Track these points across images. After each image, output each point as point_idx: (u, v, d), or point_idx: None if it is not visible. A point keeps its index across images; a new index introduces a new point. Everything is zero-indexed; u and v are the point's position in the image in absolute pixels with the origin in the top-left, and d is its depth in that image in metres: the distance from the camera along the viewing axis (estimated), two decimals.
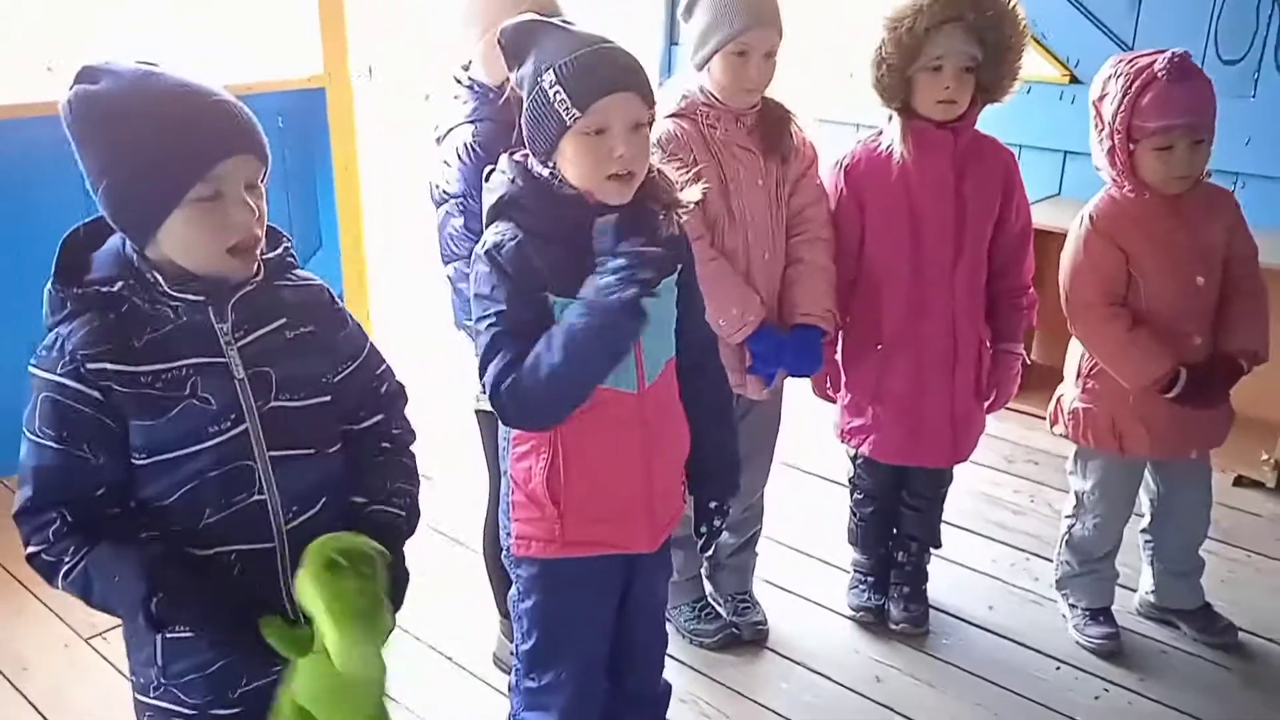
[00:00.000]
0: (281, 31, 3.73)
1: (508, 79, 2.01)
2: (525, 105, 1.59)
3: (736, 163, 2.17)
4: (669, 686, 2.07)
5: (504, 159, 1.67)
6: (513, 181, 1.64)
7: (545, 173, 1.62)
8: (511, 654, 1.96)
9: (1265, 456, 3.21)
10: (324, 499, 1.42)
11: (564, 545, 1.76)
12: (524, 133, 1.61)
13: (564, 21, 1.62)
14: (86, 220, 1.36)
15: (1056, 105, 3.65)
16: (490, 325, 1.62)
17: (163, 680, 1.41)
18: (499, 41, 1.63)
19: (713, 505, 1.88)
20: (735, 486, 1.92)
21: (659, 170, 1.68)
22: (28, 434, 1.29)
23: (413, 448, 1.55)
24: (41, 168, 2.96)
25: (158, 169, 1.24)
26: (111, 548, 1.29)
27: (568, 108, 1.53)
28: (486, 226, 1.67)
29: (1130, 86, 2.20)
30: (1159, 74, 2.17)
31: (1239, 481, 3.27)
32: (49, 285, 1.31)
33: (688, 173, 1.74)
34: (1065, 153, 3.72)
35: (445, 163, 2.04)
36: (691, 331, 1.81)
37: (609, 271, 1.51)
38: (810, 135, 2.34)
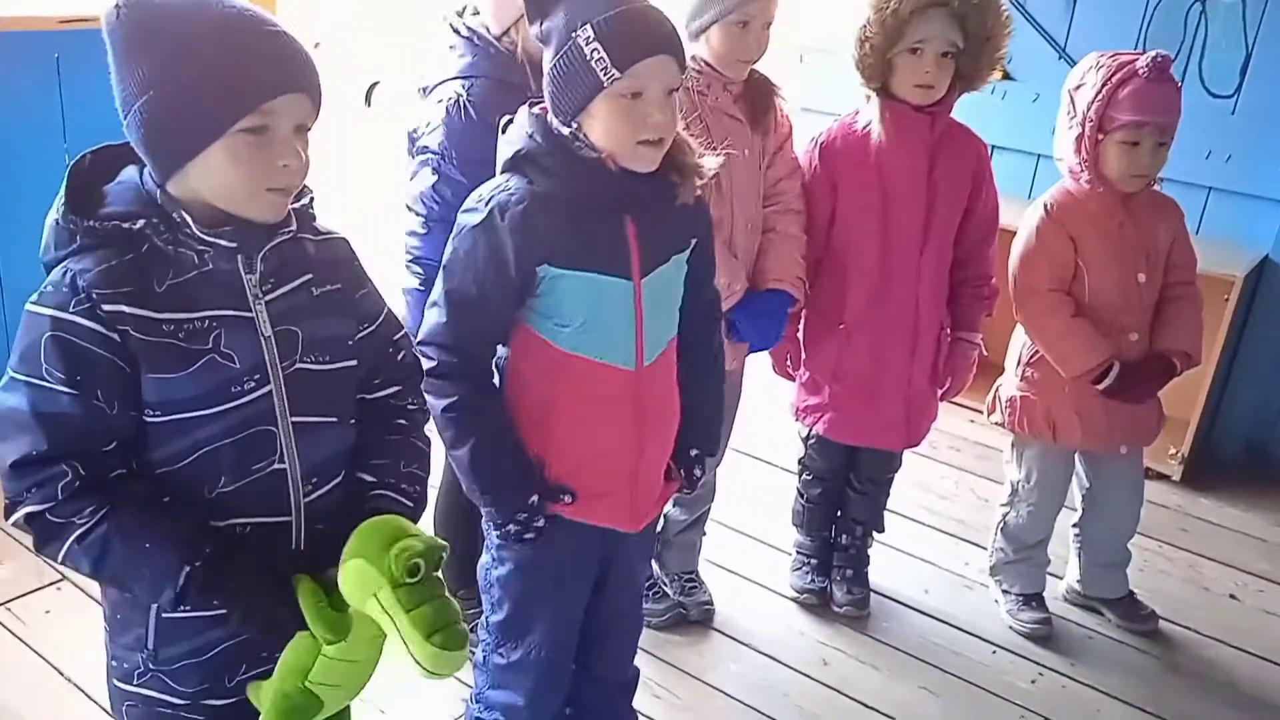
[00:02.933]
0: None
1: (510, 29, 1.92)
2: (552, 60, 1.51)
3: (725, 132, 2.12)
4: (637, 671, 2.02)
5: (523, 112, 1.58)
6: (530, 137, 1.55)
7: (566, 132, 1.54)
8: (471, 642, 1.87)
9: (1173, 451, 3.35)
10: (342, 471, 1.31)
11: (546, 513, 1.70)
12: (549, 89, 1.53)
13: None
14: (94, 148, 1.21)
15: (987, 100, 3.68)
16: (450, 297, 1.58)
17: (151, 666, 1.28)
18: None
19: (693, 453, 1.82)
20: (717, 438, 1.88)
21: (681, 138, 1.61)
22: (24, 377, 1.13)
23: (427, 428, 1.44)
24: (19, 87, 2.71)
25: (210, 91, 1.11)
26: (136, 512, 1.15)
27: (606, 68, 1.45)
28: (499, 175, 1.58)
29: (1111, 78, 2.25)
30: (1140, 71, 2.23)
31: (1147, 474, 3.37)
32: (56, 215, 1.16)
33: (698, 137, 1.68)
34: (994, 147, 3.78)
35: (429, 119, 1.93)
36: (699, 299, 1.76)
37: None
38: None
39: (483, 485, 1.64)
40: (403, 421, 1.40)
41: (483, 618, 1.86)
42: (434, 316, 1.59)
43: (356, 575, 1.16)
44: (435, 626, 1.14)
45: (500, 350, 1.68)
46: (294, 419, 1.24)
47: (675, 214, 1.63)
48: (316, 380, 1.27)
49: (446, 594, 1.18)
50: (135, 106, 1.13)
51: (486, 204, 1.54)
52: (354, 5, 3.92)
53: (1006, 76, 3.72)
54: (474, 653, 1.89)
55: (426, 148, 1.93)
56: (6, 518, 1.16)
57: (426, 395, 1.50)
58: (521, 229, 1.52)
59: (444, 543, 1.19)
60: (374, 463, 1.34)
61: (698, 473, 1.83)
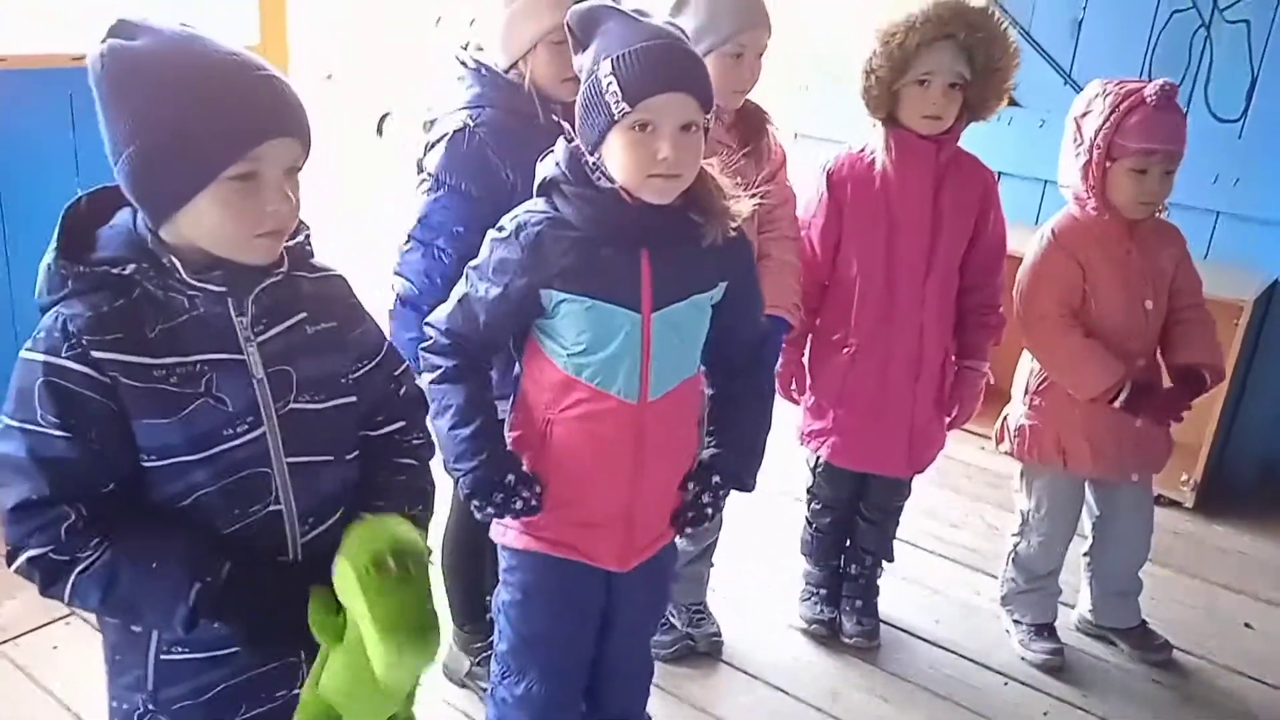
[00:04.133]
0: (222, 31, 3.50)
1: (518, 62, 1.93)
2: (580, 92, 1.55)
3: (718, 160, 2.12)
4: (649, 718, 2.00)
5: (561, 141, 1.62)
6: (558, 165, 1.60)
7: (590, 162, 1.58)
8: (476, 676, 1.87)
9: (1185, 478, 3.32)
10: (340, 510, 1.30)
11: (536, 539, 1.72)
12: (575, 122, 1.58)
13: (636, 11, 1.55)
14: (88, 191, 1.21)
15: (993, 126, 3.68)
16: (463, 299, 1.64)
17: (150, 707, 1.27)
18: (567, 24, 1.58)
19: (715, 479, 1.75)
20: (748, 473, 1.81)
21: (711, 177, 1.61)
22: (19, 423, 1.13)
23: (431, 463, 1.44)
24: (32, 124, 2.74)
25: (195, 141, 1.10)
26: (140, 536, 1.15)
27: (618, 100, 1.48)
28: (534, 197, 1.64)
29: (1119, 105, 2.25)
30: (1147, 99, 2.23)
31: (1158, 501, 3.36)
32: (49, 260, 1.16)
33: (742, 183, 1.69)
34: (1000, 173, 3.78)
35: (432, 143, 1.93)
36: (744, 336, 1.76)
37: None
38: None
39: (458, 455, 1.65)
40: (408, 460, 1.39)
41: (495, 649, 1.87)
42: (449, 306, 1.67)
43: (339, 570, 1.16)
44: (394, 625, 1.12)
45: (517, 368, 1.73)
46: (289, 459, 1.24)
47: (700, 254, 1.62)
48: (312, 419, 1.26)
49: (422, 595, 1.16)
50: (122, 156, 1.13)
51: (511, 220, 1.61)
52: (365, 38, 3.95)
53: (1013, 103, 3.72)
54: (484, 687, 1.88)
55: (424, 169, 1.94)
56: (9, 564, 1.15)
57: (421, 368, 1.59)
58: (532, 249, 1.57)
59: (424, 544, 1.19)
60: (377, 504, 1.33)
61: (706, 499, 1.76)
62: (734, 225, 1.62)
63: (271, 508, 1.23)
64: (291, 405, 1.24)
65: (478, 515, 1.69)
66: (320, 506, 1.28)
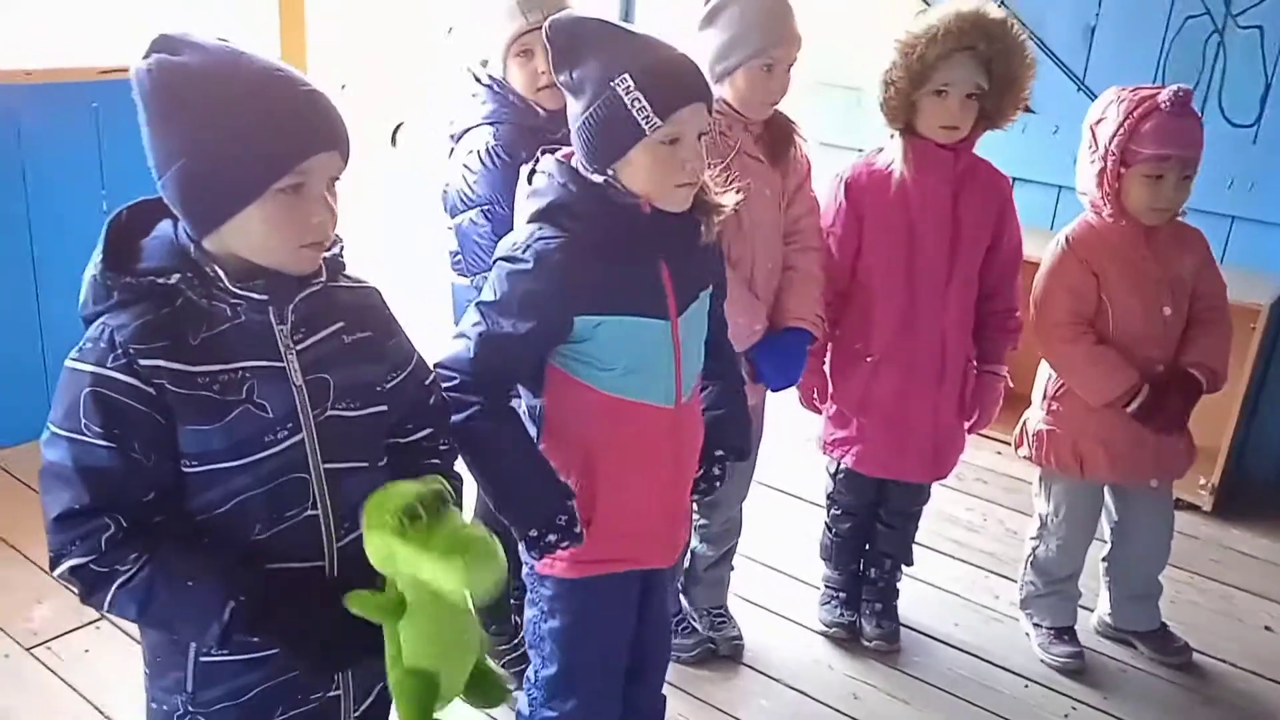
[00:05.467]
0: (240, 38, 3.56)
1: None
2: (587, 110, 1.51)
3: (746, 172, 2.14)
4: (665, 698, 2.02)
5: (549, 161, 1.59)
6: (564, 186, 1.56)
7: (600, 179, 1.55)
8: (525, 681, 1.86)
9: (1203, 482, 3.33)
10: None
11: (589, 564, 1.69)
12: (583, 138, 1.54)
13: (616, 23, 1.56)
14: (130, 203, 1.24)
15: (1008, 133, 3.71)
16: (483, 338, 1.57)
17: (190, 709, 1.30)
18: (546, 36, 1.54)
19: (718, 454, 1.80)
20: (746, 440, 1.86)
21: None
22: (66, 432, 1.16)
23: (457, 466, 1.47)
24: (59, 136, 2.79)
25: (245, 157, 1.13)
26: (178, 553, 1.18)
27: (648, 116, 1.47)
28: (526, 224, 1.59)
29: (1133, 112, 2.26)
30: (1162, 105, 2.24)
31: (1177, 505, 3.36)
32: (94, 271, 1.19)
33: (719, 175, 1.71)
34: (1014, 179, 3.79)
35: (466, 167, 1.97)
36: (720, 319, 1.79)
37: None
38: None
39: (505, 496, 1.62)
40: (434, 461, 1.43)
41: (530, 671, 1.84)
42: (459, 347, 1.59)
43: (372, 545, 1.19)
44: (451, 549, 1.15)
45: (534, 400, 1.68)
46: (326, 465, 1.27)
47: (699, 251, 1.66)
48: (348, 426, 1.29)
49: (461, 522, 1.20)
50: (170, 171, 1.15)
51: (525, 251, 1.55)
52: (379, 49, 4.00)
53: (1027, 109, 3.73)
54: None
55: (471, 200, 1.98)
56: (52, 570, 1.19)
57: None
58: (562, 278, 1.53)
59: (442, 485, 1.22)
60: None
61: (717, 471, 1.81)
62: (719, 220, 1.63)
63: (309, 513, 1.26)
64: (329, 412, 1.27)
65: (532, 557, 1.66)
66: (355, 512, 1.29)
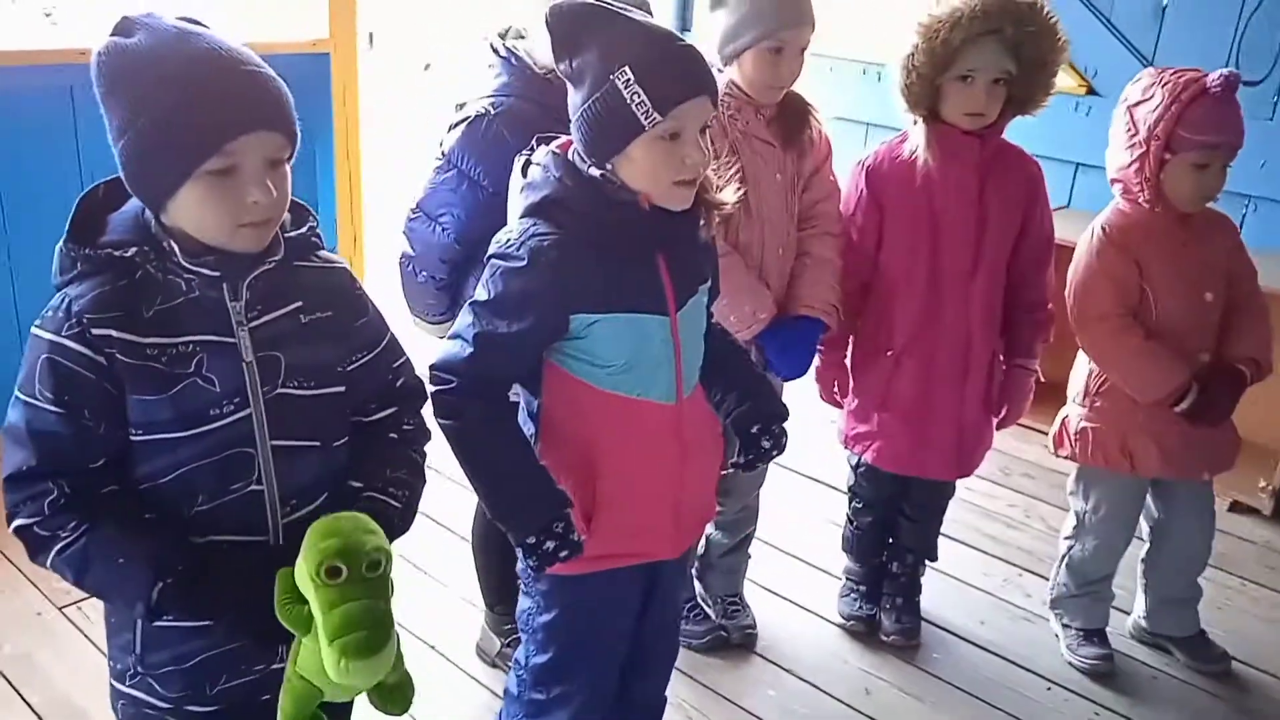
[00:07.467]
0: None
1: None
2: (586, 102, 1.46)
3: (756, 155, 2.11)
4: (665, 700, 2.01)
5: (545, 154, 1.56)
6: (560, 181, 1.51)
7: (598, 174, 1.51)
8: (507, 657, 1.86)
9: (1263, 484, 3.19)
10: (325, 494, 1.35)
11: (592, 560, 1.65)
12: (581, 131, 1.49)
13: (622, 7, 1.48)
14: (108, 179, 1.28)
15: (1071, 116, 3.60)
16: (479, 338, 1.52)
17: (139, 669, 1.34)
18: (546, 21, 1.49)
19: (755, 429, 1.74)
20: (776, 401, 1.78)
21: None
22: (23, 396, 1.21)
23: (426, 446, 1.47)
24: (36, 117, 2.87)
25: (173, 136, 1.16)
26: (115, 528, 1.22)
27: (647, 111, 1.42)
28: (520, 220, 1.56)
29: (1179, 95, 2.15)
30: (1211, 88, 2.12)
31: (1235, 507, 3.24)
32: (61, 244, 1.23)
33: (720, 169, 1.67)
34: (1077, 164, 3.68)
35: (453, 123, 1.97)
36: (713, 332, 1.75)
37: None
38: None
39: (502, 503, 1.59)
40: (396, 435, 1.43)
41: (520, 653, 1.82)
42: (455, 348, 1.55)
43: (298, 572, 1.19)
44: (340, 633, 1.14)
45: (532, 400, 1.66)
46: (274, 442, 1.28)
47: (697, 246, 1.63)
48: (299, 405, 1.31)
49: (373, 602, 1.17)
50: (116, 150, 1.19)
51: (519, 248, 1.51)
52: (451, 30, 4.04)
53: (1091, 91, 3.62)
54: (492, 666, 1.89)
55: (446, 153, 1.98)
56: (8, 524, 1.24)
57: (437, 418, 1.53)
58: (558, 276, 1.50)
59: (380, 544, 1.20)
60: (363, 469, 1.38)
61: (766, 443, 1.74)
62: (719, 217, 1.60)
63: (253, 487, 1.28)
64: (279, 390, 1.29)
65: (531, 566, 1.60)
66: (303, 490, 1.32)
